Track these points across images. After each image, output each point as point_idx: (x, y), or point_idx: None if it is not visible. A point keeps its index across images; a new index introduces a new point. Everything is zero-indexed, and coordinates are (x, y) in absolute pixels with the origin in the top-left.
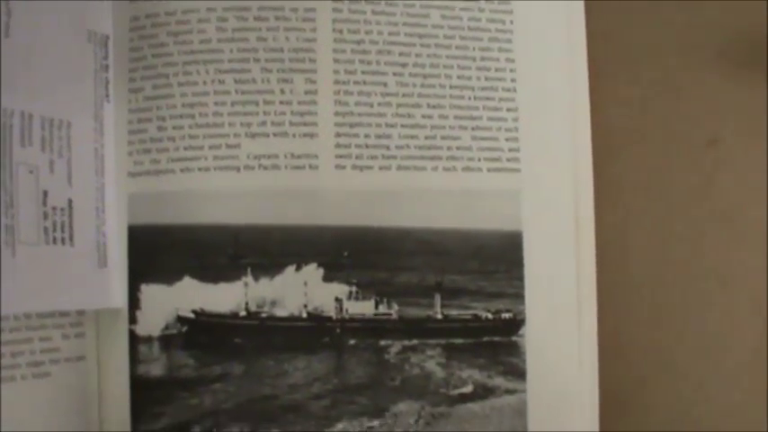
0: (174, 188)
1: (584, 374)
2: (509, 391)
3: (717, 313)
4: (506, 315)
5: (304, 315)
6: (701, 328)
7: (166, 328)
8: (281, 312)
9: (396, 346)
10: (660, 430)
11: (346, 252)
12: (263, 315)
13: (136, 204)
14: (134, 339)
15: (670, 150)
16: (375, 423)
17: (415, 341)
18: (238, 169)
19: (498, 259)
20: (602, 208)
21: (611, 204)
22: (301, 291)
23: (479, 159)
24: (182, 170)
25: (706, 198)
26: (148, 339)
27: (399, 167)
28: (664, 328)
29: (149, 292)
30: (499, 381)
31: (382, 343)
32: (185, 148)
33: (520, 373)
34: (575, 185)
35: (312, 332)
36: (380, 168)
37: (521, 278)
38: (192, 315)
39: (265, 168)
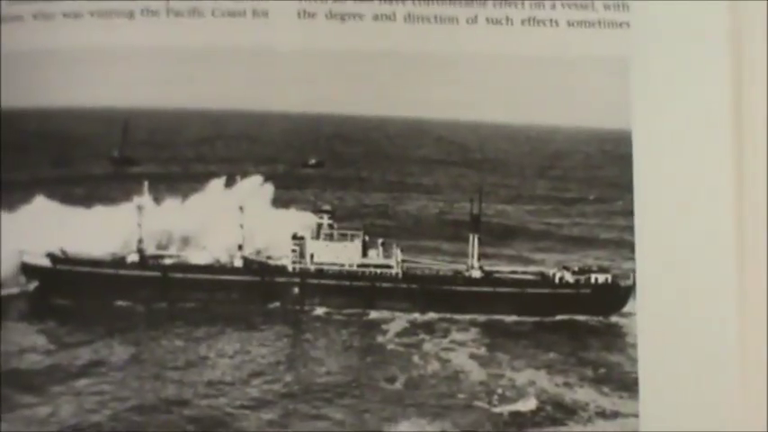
0: (25, 47)
1: (749, 393)
2: (605, 414)
3: None
4: (600, 277)
5: (238, 263)
6: None
7: (2, 285)
8: (197, 257)
9: (398, 323)
10: None
11: (314, 158)
12: (167, 262)
13: None
14: None
15: None
16: None
17: (432, 315)
18: (131, 15)
19: (586, 178)
20: None
21: None
22: (234, 221)
23: (554, 6)
24: (36, 16)
25: None
26: None
27: (409, 17)
28: None
29: None
30: (588, 394)
31: (374, 315)
32: None
33: (626, 383)
34: (735, 51)
35: (252, 292)
36: (376, 18)
37: (628, 213)
38: (46, 262)
39: (178, 15)
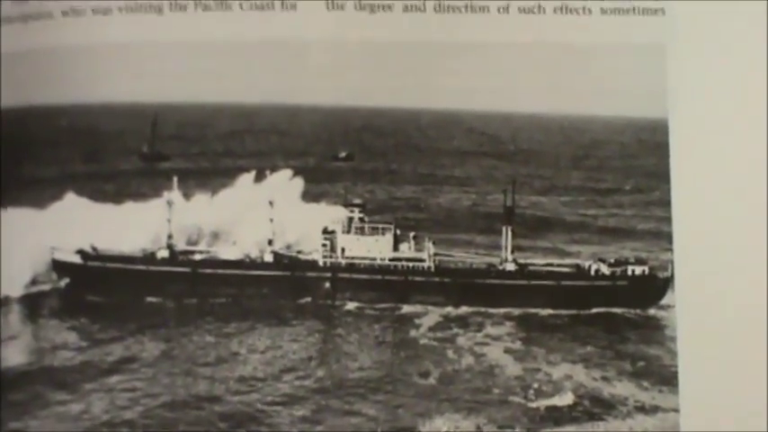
0: (53, 42)
1: None
2: (645, 409)
3: None
4: (637, 269)
5: (268, 258)
6: None
7: (34, 282)
8: (227, 253)
9: (431, 317)
10: None
11: (344, 151)
12: (197, 257)
13: None
14: None
15: None
16: None
17: (465, 308)
18: (160, 10)
19: (622, 168)
20: None
21: None
22: (264, 216)
23: None
24: (65, 13)
25: None
26: (4, 303)
27: (439, 7)
28: None
29: (10, 219)
30: (626, 388)
31: (406, 310)
32: None
33: (666, 377)
34: None
35: (282, 287)
36: (406, 9)
37: (665, 203)
38: (77, 258)
39: (207, 9)
